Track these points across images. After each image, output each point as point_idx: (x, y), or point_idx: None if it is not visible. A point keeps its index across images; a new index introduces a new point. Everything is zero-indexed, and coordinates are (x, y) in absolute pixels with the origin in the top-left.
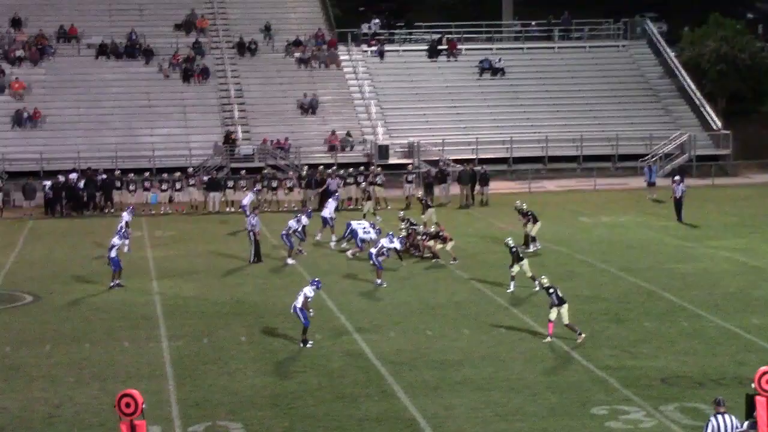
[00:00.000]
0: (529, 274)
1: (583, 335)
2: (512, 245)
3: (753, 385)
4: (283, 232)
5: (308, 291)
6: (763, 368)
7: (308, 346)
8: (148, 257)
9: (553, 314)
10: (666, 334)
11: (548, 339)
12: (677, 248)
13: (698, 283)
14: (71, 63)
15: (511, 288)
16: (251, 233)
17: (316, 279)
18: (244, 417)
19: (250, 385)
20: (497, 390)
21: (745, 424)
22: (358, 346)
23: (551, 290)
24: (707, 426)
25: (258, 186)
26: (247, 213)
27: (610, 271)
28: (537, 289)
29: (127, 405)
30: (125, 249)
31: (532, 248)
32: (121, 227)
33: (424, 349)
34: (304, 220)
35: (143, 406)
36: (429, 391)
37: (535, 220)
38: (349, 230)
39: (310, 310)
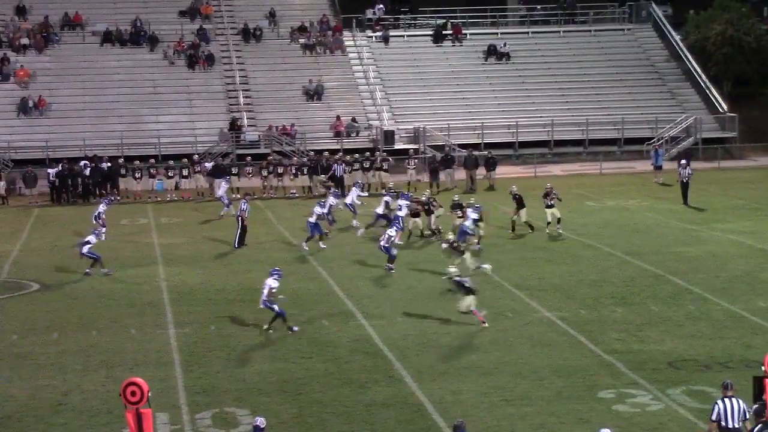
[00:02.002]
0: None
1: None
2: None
3: (763, 368)
4: (310, 219)
5: (271, 282)
6: None
7: (294, 330)
8: (154, 244)
9: (464, 303)
10: (673, 317)
11: (485, 325)
12: (683, 231)
13: (705, 266)
14: (76, 51)
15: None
16: (239, 218)
17: (277, 268)
18: (252, 403)
19: (257, 371)
20: (504, 375)
21: (753, 408)
22: (365, 331)
23: (459, 280)
24: (714, 408)
25: (264, 172)
26: (225, 202)
27: (617, 254)
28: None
29: (133, 393)
30: (102, 237)
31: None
32: (97, 215)
33: (431, 334)
34: (331, 200)
35: (149, 394)
36: (436, 376)
37: (522, 206)
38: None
39: (280, 296)
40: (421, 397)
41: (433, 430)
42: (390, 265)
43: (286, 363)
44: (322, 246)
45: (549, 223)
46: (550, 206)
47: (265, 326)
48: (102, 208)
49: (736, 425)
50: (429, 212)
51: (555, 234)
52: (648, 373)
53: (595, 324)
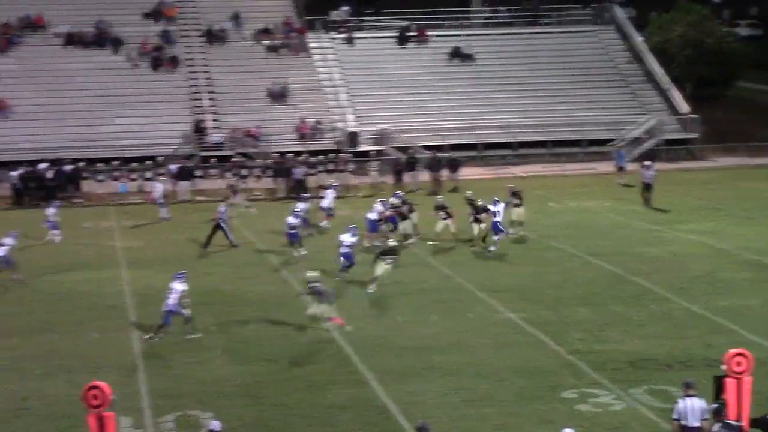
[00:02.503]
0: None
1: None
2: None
3: (723, 367)
4: (289, 231)
5: (178, 285)
6: (733, 350)
7: (195, 336)
8: (116, 247)
9: (318, 309)
10: (634, 317)
11: (348, 328)
12: (645, 232)
13: (666, 266)
14: (39, 52)
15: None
16: (216, 220)
17: (183, 271)
18: (215, 406)
19: (220, 374)
20: (466, 376)
21: (711, 407)
22: (328, 333)
23: (313, 285)
24: (675, 408)
25: (228, 174)
26: (163, 204)
27: (579, 255)
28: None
29: (95, 397)
30: (56, 239)
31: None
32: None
33: (393, 335)
34: (301, 206)
35: (111, 397)
36: (398, 377)
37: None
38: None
39: (186, 300)
40: (384, 399)
41: None
42: (343, 275)
43: (249, 366)
44: (303, 252)
45: (513, 222)
46: (518, 205)
47: (189, 334)
48: (51, 211)
49: (697, 424)
50: (404, 217)
51: (517, 235)
52: (610, 372)
53: (557, 324)
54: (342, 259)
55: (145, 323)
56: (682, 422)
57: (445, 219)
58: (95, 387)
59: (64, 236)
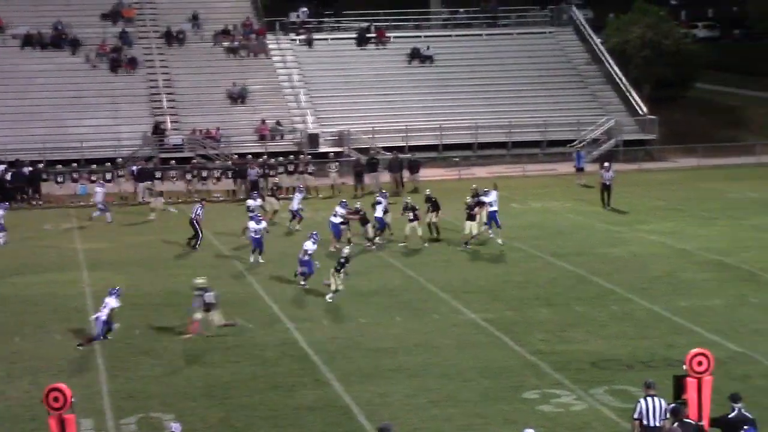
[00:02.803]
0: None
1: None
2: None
3: (684, 367)
4: (252, 235)
5: (112, 302)
6: (694, 350)
7: (81, 348)
8: (78, 249)
9: (198, 314)
10: (596, 318)
11: (188, 336)
12: (606, 233)
13: (627, 267)
14: None
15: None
16: (194, 221)
17: (116, 287)
18: (178, 408)
19: (183, 376)
20: (430, 377)
21: (670, 407)
22: (291, 335)
23: (199, 292)
24: (636, 407)
25: (188, 176)
26: (103, 208)
27: (541, 256)
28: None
29: (56, 399)
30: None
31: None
32: None
33: (358, 336)
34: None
35: (72, 399)
36: (363, 378)
37: (437, 208)
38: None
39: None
40: (348, 400)
41: None
42: (303, 283)
43: (213, 367)
44: (261, 261)
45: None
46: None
47: (79, 346)
48: None
49: (658, 424)
50: (364, 222)
51: (485, 236)
52: (572, 373)
53: (520, 325)
54: (300, 267)
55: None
56: (644, 422)
57: (412, 221)
58: (56, 389)
59: (8, 239)
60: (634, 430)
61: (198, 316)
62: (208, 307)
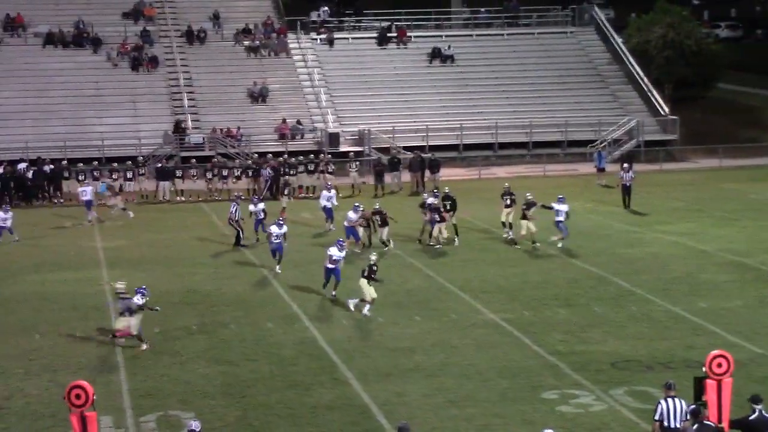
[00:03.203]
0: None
1: (145, 347)
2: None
3: (703, 369)
4: (273, 241)
5: (138, 300)
6: (714, 352)
7: (120, 342)
8: (97, 247)
9: (121, 323)
10: (615, 318)
11: (120, 341)
12: (626, 233)
13: (647, 267)
14: (18, 52)
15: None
16: (232, 221)
17: (143, 287)
18: (197, 406)
19: (202, 374)
20: (449, 376)
21: (690, 408)
22: (310, 333)
23: (121, 296)
24: (657, 408)
25: (208, 175)
26: (89, 208)
27: (560, 256)
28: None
29: (78, 396)
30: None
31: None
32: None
33: (376, 336)
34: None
35: (94, 397)
36: (381, 378)
37: (454, 208)
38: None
39: (157, 308)
40: (366, 399)
41: None
42: (333, 293)
43: (231, 366)
44: (278, 270)
45: (503, 223)
46: (509, 206)
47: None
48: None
49: (678, 425)
50: (384, 223)
51: (506, 236)
52: (591, 374)
53: (538, 325)
54: (329, 275)
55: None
56: (665, 423)
57: (439, 222)
58: (78, 386)
59: (19, 237)
60: None
61: (124, 321)
62: (129, 312)
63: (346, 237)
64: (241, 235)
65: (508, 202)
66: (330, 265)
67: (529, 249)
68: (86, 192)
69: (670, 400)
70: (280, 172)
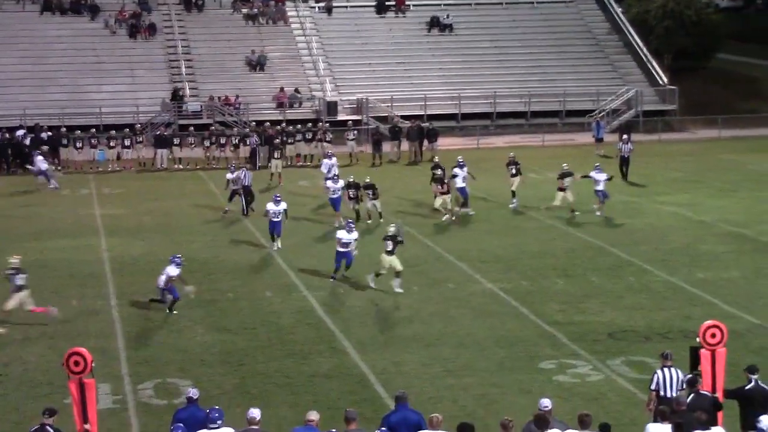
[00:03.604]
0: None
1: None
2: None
3: (698, 339)
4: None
5: (171, 270)
6: (708, 322)
7: (174, 313)
8: (96, 215)
9: (12, 302)
10: (613, 289)
11: (54, 310)
12: (624, 204)
13: (645, 238)
14: (16, 19)
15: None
16: (243, 188)
17: (178, 255)
18: (194, 374)
19: (199, 342)
20: (446, 346)
21: (686, 377)
22: (308, 302)
23: (10, 273)
24: (653, 378)
25: (206, 143)
26: (45, 176)
27: (558, 226)
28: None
29: (76, 363)
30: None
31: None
32: None
33: (374, 305)
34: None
35: (92, 364)
36: (378, 347)
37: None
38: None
39: (190, 288)
40: (364, 368)
41: (375, 401)
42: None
43: (229, 334)
44: (278, 246)
45: (513, 192)
46: (515, 175)
47: (168, 311)
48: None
49: (675, 394)
50: (375, 196)
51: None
52: (588, 344)
53: (536, 295)
54: (340, 259)
55: (125, 291)
56: (661, 393)
57: (444, 194)
58: (77, 353)
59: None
60: (650, 401)
61: (12, 303)
62: (18, 288)
63: (334, 209)
64: (253, 201)
65: (514, 171)
66: (341, 249)
67: (523, 219)
68: (39, 162)
69: (666, 369)
70: (271, 140)
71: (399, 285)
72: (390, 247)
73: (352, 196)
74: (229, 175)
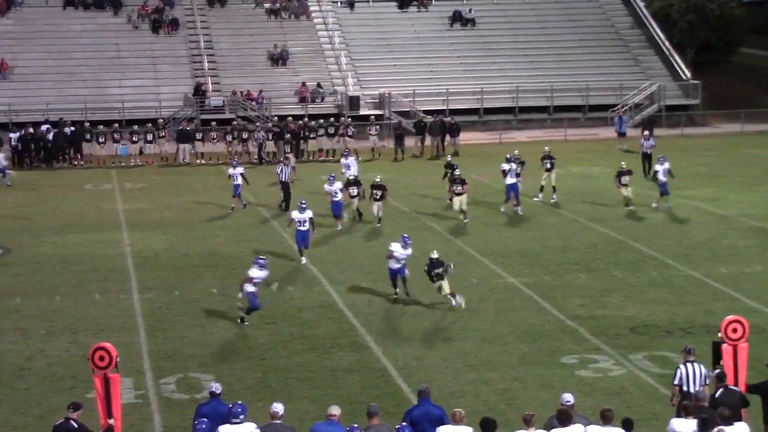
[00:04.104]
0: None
1: None
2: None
3: (719, 334)
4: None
5: (254, 272)
6: (730, 317)
7: (246, 324)
8: (118, 209)
9: None
10: (635, 283)
11: None
12: (647, 198)
13: (667, 232)
14: (39, 14)
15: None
16: (282, 182)
17: (262, 257)
18: (216, 369)
19: (222, 337)
20: (468, 340)
21: (715, 372)
22: (330, 297)
23: None
24: (676, 373)
25: (228, 138)
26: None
27: (580, 221)
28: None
29: (101, 358)
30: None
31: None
32: None
33: (394, 300)
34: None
35: (117, 359)
36: (400, 341)
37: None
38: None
39: (274, 284)
40: (386, 363)
41: (397, 395)
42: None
43: (251, 328)
44: (303, 260)
45: (542, 187)
46: (549, 170)
47: (239, 321)
48: None
49: (698, 389)
50: (382, 197)
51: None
52: (610, 338)
53: (558, 290)
54: (394, 276)
55: (147, 285)
56: (684, 388)
57: (459, 194)
58: (102, 348)
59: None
60: (674, 396)
61: None
62: None
63: (335, 217)
64: (288, 199)
65: (549, 165)
66: (395, 265)
67: (546, 214)
68: (2, 159)
69: (689, 365)
70: (306, 136)
71: (459, 298)
72: (436, 274)
73: (353, 194)
74: (230, 170)
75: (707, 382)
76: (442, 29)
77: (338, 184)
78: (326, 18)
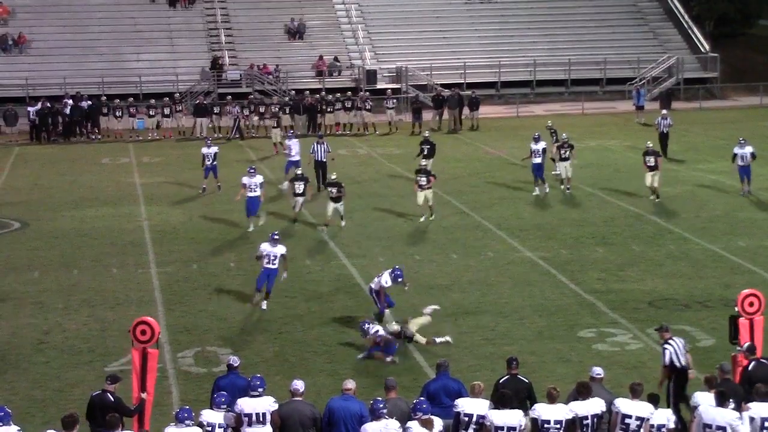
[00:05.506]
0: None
1: None
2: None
3: (735, 308)
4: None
5: (383, 278)
6: (746, 291)
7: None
8: (135, 183)
9: None
10: (653, 257)
11: None
12: (664, 171)
13: (685, 206)
14: None
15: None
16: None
17: (398, 269)
18: (234, 342)
19: (239, 310)
20: (485, 314)
21: (746, 345)
22: (347, 271)
23: None
24: (666, 353)
25: (245, 111)
26: None
27: (598, 194)
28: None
29: (143, 332)
30: None
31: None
32: None
33: (413, 273)
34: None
35: (159, 335)
36: (417, 315)
37: None
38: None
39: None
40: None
41: (415, 370)
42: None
43: (268, 302)
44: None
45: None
46: (565, 159)
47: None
48: None
49: (684, 362)
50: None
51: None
52: (628, 312)
53: (576, 264)
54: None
55: (164, 259)
56: (676, 364)
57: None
58: (144, 323)
59: None
60: (664, 379)
61: None
62: None
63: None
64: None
65: (566, 154)
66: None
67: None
68: None
69: (671, 341)
70: (323, 110)
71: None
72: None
73: (298, 191)
74: (204, 150)
75: (687, 350)
76: (460, 2)
77: (259, 178)
78: None
